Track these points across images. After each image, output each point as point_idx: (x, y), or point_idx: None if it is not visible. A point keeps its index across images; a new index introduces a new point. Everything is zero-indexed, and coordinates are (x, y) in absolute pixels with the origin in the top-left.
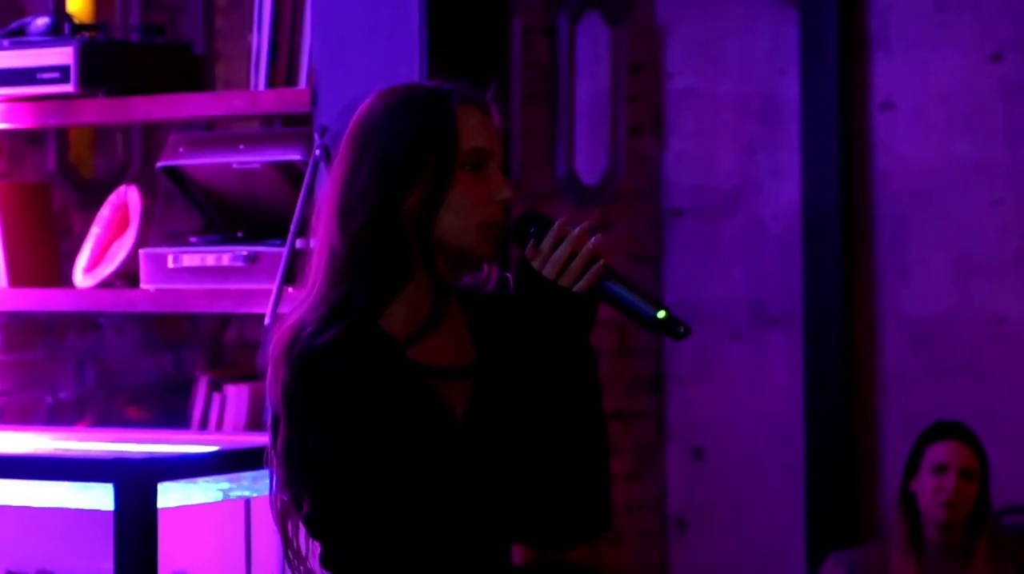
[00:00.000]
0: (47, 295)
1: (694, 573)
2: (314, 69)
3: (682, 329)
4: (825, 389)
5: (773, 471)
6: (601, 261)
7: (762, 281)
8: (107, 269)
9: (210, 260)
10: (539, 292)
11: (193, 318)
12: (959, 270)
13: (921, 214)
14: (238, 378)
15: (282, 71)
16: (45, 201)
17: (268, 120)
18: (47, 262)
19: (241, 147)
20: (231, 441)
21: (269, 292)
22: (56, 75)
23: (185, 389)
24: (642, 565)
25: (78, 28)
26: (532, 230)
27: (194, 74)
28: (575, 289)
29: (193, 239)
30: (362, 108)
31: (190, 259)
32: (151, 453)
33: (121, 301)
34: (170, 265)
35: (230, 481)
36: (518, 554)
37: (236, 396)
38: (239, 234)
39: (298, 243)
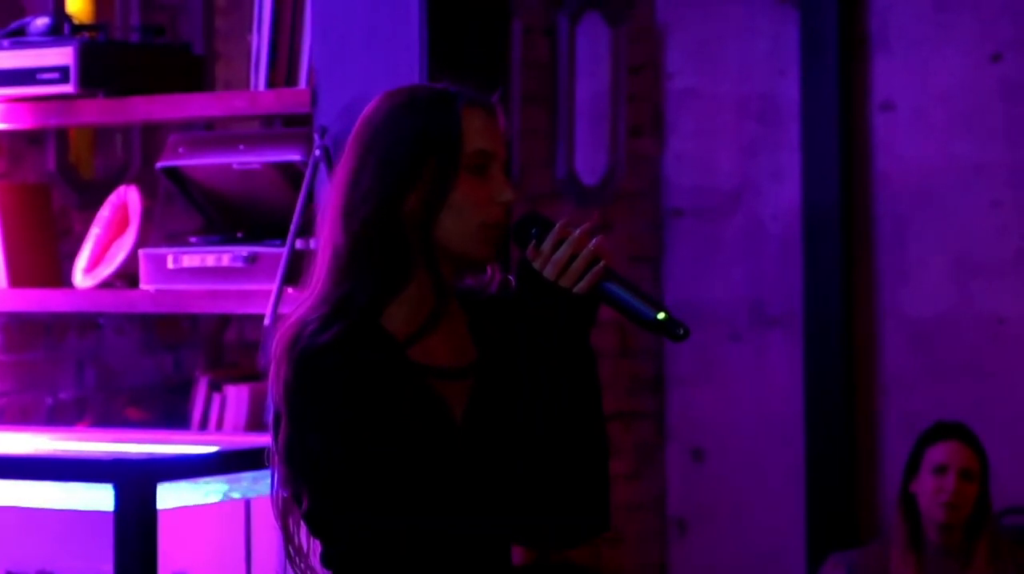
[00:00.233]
0: (47, 296)
1: None
2: (314, 69)
3: (681, 331)
4: (825, 389)
5: (773, 472)
6: (602, 262)
7: (762, 281)
8: (107, 269)
9: (210, 261)
10: (540, 293)
11: (193, 318)
12: (959, 270)
13: (921, 214)
14: (238, 379)
15: (282, 71)
16: (45, 201)
17: (268, 120)
18: (47, 263)
19: (241, 147)
20: (231, 442)
21: (269, 293)
22: (56, 75)
23: (185, 390)
24: (642, 565)
25: (78, 28)
26: (533, 231)
27: (194, 74)
28: (575, 290)
29: (193, 239)
30: (367, 109)
31: (190, 259)
32: (151, 454)
33: (121, 302)
34: (170, 265)
35: (230, 482)
36: (518, 554)
37: (236, 397)
38: (239, 234)
39: (298, 244)
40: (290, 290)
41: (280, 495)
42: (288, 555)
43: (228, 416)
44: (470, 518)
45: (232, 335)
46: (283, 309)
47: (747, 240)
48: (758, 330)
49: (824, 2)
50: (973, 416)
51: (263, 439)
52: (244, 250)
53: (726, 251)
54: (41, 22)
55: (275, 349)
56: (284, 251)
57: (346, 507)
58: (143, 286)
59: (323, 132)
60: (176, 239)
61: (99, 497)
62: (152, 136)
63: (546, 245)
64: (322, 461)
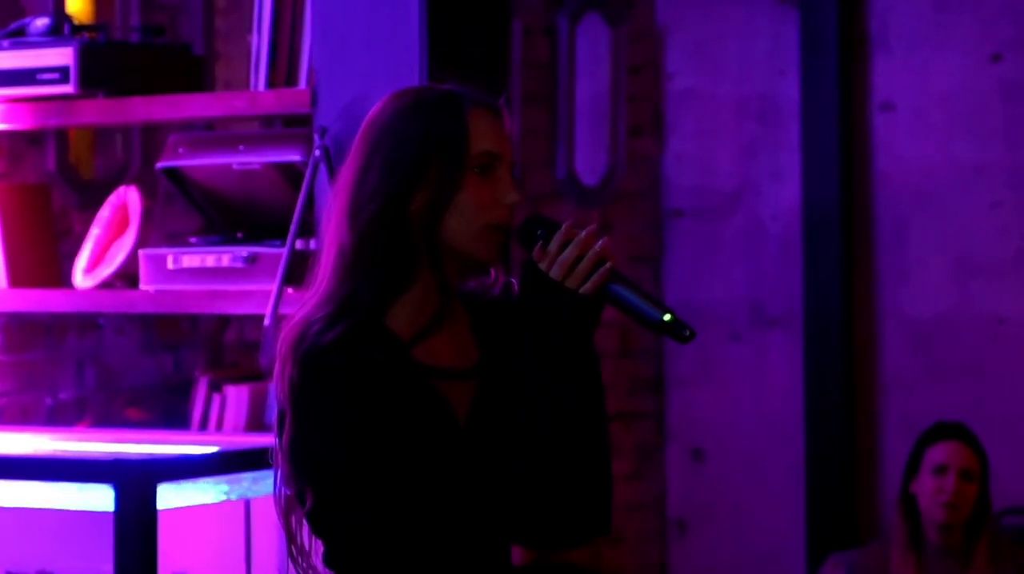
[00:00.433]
0: (47, 296)
1: None
2: (314, 70)
3: (687, 332)
4: (825, 389)
5: (773, 472)
6: (608, 263)
7: (762, 281)
8: (107, 270)
9: (210, 261)
10: (545, 293)
11: (193, 319)
12: (959, 271)
13: (921, 215)
14: (238, 379)
15: (282, 72)
16: (45, 202)
17: (268, 121)
18: (47, 263)
19: (241, 148)
20: (231, 442)
21: (269, 293)
22: (56, 76)
23: (185, 390)
24: (642, 566)
25: (78, 29)
26: (539, 232)
27: (194, 75)
28: (581, 291)
29: (193, 240)
30: (373, 109)
31: (190, 260)
32: (151, 454)
33: (121, 302)
34: (170, 266)
35: (230, 482)
36: (517, 554)
37: (236, 397)
38: (239, 235)
39: (298, 244)
40: (290, 290)
41: (283, 494)
42: (291, 555)
43: (228, 416)
44: (471, 518)
45: (232, 335)
46: (283, 309)
47: (747, 240)
48: (758, 330)
49: (824, 2)
50: (973, 416)
51: (263, 439)
52: (244, 250)
53: (726, 251)
54: (41, 22)
55: (280, 348)
56: (284, 251)
57: (349, 506)
58: (143, 286)
59: (323, 132)
60: (176, 239)
61: (99, 497)
62: (152, 136)
63: (553, 245)
64: (326, 460)
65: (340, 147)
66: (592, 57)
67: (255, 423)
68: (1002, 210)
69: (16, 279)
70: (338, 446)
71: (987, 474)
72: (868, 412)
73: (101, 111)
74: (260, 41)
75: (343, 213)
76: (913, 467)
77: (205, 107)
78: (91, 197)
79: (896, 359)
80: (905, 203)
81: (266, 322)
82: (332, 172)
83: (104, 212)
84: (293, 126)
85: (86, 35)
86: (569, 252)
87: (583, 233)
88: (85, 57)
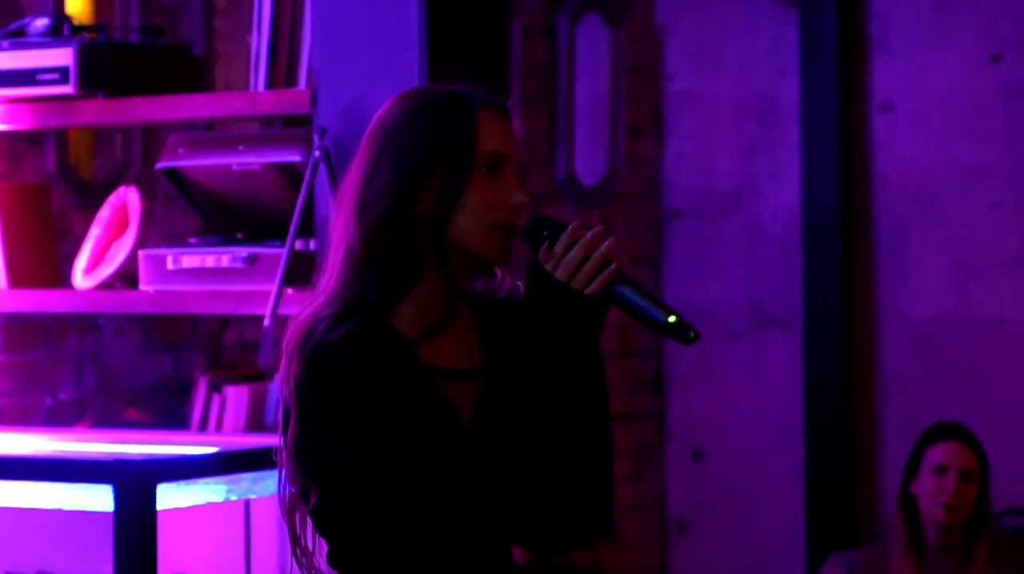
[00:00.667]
0: (47, 296)
1: None
2: (314, 70)
3: (692, 334)
4: (825, 390)
5: (773, 472)
6: (614, 265)
7: (762, 282)
8: (107, 270)
9: (209, 261)
10: (551, 294)
11: (193, 319)
12: (958, 271)
13: (921, 215)
14: (237, 379)
15: (282, 72)
16: (45, 202)
17: (268, 121)
18: (47, 263)
19: (241, 148)
20: (230, 442)
21: (268, 293)
22: (56, 76)
23: (184, 390)
24: (642, 566)
25: (77, 29)
26: (545, 233)
27: (193, 75)
28: (587, 291)
29: (192, 240)
30: (382, 110)
31: (189, 260)
32: (150, 454)
33: (120, 302)
34: (169, 266)
35: (229, 482)
36: (516, 555)
37: (235, 397)
38: (239, 235)
39: (298, 244)
40: (290, 291)
41: (287, 491)
42: (295, 555)
43: (228, 417)
44: (475, 518)
45: (232, 336)
46: (283, 310)
47: (747, 241)
48: (758, 331)
49: (824, 3)
50: (973, 416)
51: (262, 440)
52: (244, 251)
53: (726, 252)
54: (41, 23)
55: (286, 345)
56: (284, 252)
57: (353, 504)
58: (143, 287)
59: (323, 133)
60: (176, 240)
61: (99, 498)
62: (152, 137)
63: (559, 246)
64: (330, 457)
65: (340, 148)
66: (592, 57)
67: (255, 424)
68: (1002, 210)
69: (16, 280)
70: (343, 444)
71: (987, 475)
72: (868, 412)
73: (101, 111)
74: (260, 41)
75: (351, 212)
76: (913, 467)
77: (205, 107)
78: (91, 198)
79: (896, 359)
80: (905, 203)
81: (266, 322)
82: (332, 173)
83: (104, 213)
84: (293, 126)
85: (86, 35)
86: (575, 253)
87: (589, 234)
88: (85, 57)
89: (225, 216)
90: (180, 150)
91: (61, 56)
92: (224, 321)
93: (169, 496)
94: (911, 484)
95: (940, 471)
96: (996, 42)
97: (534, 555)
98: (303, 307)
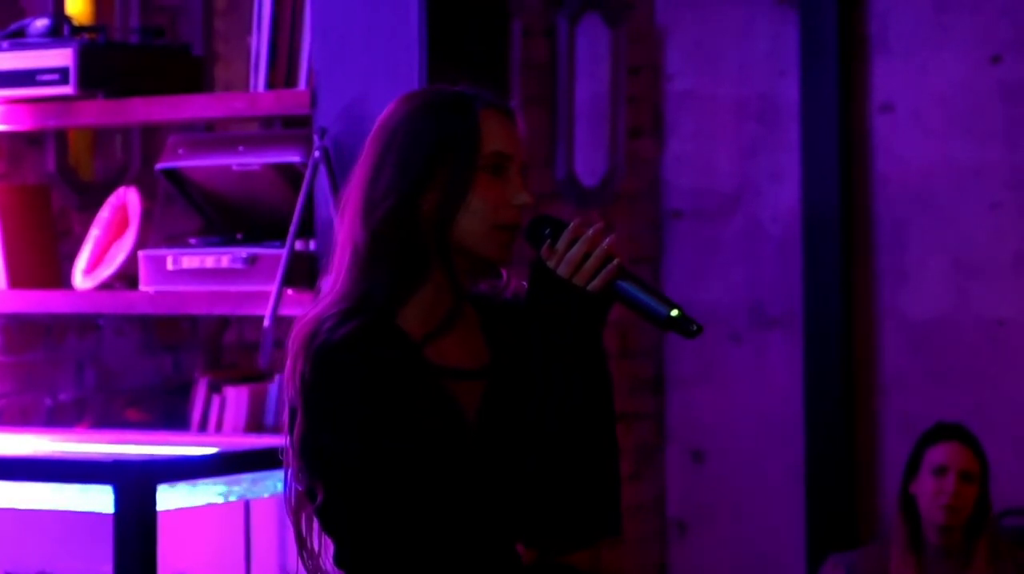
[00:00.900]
0: (46, 297)
1: None
2: (314, 70)
3: (695, 327)
4: (824, 391)
5: (773, 473)
6: (616, 260)
7: (761, 283)
8: (106, 271)
9: (209, 262)
10: (553, 290)
11: (192, 320)
12: (958, 272)
13: (920, 216)
14: (237, 380)
15: (281, 72)
16: (44, 203)
17: (267, 122)
18: (46, 264)
19: (240, 149)
20: (230, 443)
21: (268, 294)
22: (55, 77)
23: (184, 391)
24: (642, 566)
25: (77, 30)
26: (547, 231)
27: (193, 76)
28: (589, 288)
29: (192, 241)
30: (386, 111)
31: (189, 261)
32: (150, 455)
33: (120, 303)
34: (169, 267)
35: (229, 483)
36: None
37: (235, 398)
38: (238, 236)
39: (297, 245)
40: (290, 291)
41: (294, 490)
42: (300, 556)
43: (227, 417)
44: (481, 518)
45: (232, 336)
46: (283, 310)
47: (747, 241)
48: (758, 331)
49: (824, 3)
50: (972, 417)
51: (262, 440)
52: (244, 251)
53: (726, 252)
54: (41, 23)
55: (292, 345)
56: (284, 252)
57: (359, 502)
58: (143, 287)
59: (323, 133)
60: (176, 240)
61: (99, 498)
62: (152, 137)
63: (560, 243)
64: (336, 456)
65: (340, 148)
66: (592, 58)
67: (255, 424)
68: (1002, 211)
69: (16, 280)
70: (349, 442)
71: (987, 475)
72: (868, 413)
73: (100, 112)
74: (260, 42)
75: (356, 213)
76: (913, 468)
77: (205, 108)
78: (91, 198)
79: (896, 360)
80: (905, 204)
81: (266, 323)
82: (332, 173)
83: (104, 213)
84: (293, 127)
85: (86, 36)
86: (577, 250)
87: (590, 231)
88: (85, 58)
89: (225, 216)
90: (180, 150)
91: (61, 57)
92: (224, 321)
93: (169, 497)
94: (911, 485)
95: (940, 472)
96: (996, 42)
97: (533, 556)
98: (309, 307)
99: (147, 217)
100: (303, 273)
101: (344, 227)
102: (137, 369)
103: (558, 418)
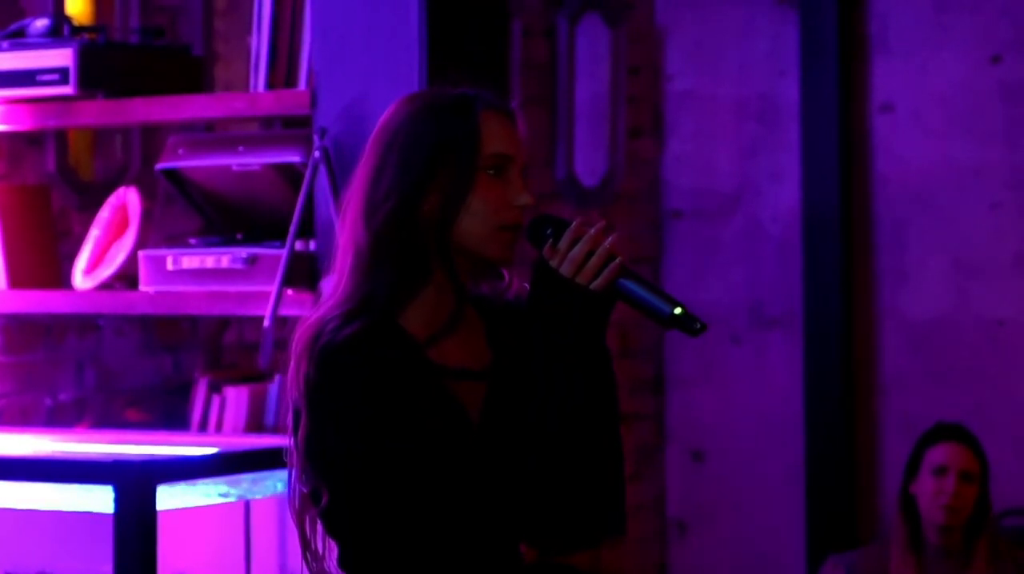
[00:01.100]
0: (46, 297)
1: None
2: (314, 71)
3: (698, 325)
4: (824, 391)
5: (773, 472)
6: (618, 259)
7: (761, 283)
8: (106, 271)
9: (209, 262)
10: (556, 290)
11: (192, 320)
12: (958, 272)
13: (920, 216)
14: (237, 380)
15: (281, 73)
16: (44, 203)
17: (267, 122)
18: (46, 264)
19: (240, 149)
20: (230, 443)
21: (268, 294)
22: (55, 77)
23: (184, 391)
24: (642, 566)
25: (77, 30)
26: (549, 231)
27: (193, 76)
28: (592, 287)
29: (192, 241)
30: (387, 112)
31: (189, 261)
32: (150, 455)
33: (120, 303)
34: (169, 267)
35: (229, 483)
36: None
37: (235, 398)
38: (238, 236)
39: (297, 245)
40: (289, 291)
41: (298, 492)
42: (304, 558)
43: (227, 417)
44: (484, 518)
45: (231, 337)
46: (283, 311)
47: (747, 241)
48: (758, 331)
49: (824, 3)
50: (972, 417)
51: (262, 441)
52: (244, 251)
53: (725, 252)
54: (41, 23)
55: (295, 346)
56: (284, 252)
57: (363, 503)
58: (142, 287)
59: (323, 133)
60: (175, 240)
61: (99, 498)
62: (152, 137)
63: (563, 243)
64: (340, 457)
65: (340, 148)
66: (592, 58)
67: (254, 424)
68: (1002, 211)
69: (16, 280)
70: (353, 443)
71: (987, 475)
72: (868, 413)
73: (100, 112)
74: (259, 42)
75: (358, 214)
76: (913, 468)
77: (204, 108)
78: (91, 198)
79: (896, 360)
80: (905, 204)
81: (266, 323)
82: (332, 173)
83: (104, 213)
84: (293, 127)
85: (86, 36)
86: (579, 249)
87: (592, 230)
88: (84, 58)
89: (225, 217)
90: (180, 151)
91: (61, 57)
92: (224, 322)
93: (169, 497)
94: (911, 485)
95: (940, 472)
96: (996, 42)
97: (533, 556)
98: (312, 309)
99: (147, 217)
100: (303, 273)
101: (346, 229)
102: (137, 369)
103: (559, 418)
